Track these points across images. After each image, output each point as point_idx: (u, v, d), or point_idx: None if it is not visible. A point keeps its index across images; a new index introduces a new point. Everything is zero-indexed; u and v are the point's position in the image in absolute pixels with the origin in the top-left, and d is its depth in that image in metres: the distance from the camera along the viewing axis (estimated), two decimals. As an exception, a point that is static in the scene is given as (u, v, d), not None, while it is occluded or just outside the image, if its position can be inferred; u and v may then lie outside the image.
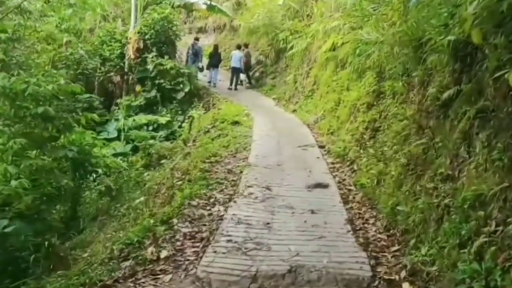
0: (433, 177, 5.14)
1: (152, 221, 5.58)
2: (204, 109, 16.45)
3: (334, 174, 8.21)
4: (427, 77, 6.10)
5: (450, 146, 5.00)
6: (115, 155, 13.77)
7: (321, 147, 10.09)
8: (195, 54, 19.61)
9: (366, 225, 5.85)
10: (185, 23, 27.75)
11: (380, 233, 5.56)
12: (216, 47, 20.41)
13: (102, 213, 9.77)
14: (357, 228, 5.70)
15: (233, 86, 19.54)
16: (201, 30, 27.48)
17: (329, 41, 13.03)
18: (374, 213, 6.18)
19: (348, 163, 8.62)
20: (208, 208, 6.27)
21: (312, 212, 6.16)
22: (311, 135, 11.30)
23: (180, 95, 17.38)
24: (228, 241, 5.10)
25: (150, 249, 4.85)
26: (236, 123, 12.43)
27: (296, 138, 10.90)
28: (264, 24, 19.38)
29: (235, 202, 6.46)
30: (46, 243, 6.64)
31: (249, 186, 7.15)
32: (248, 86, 20.37)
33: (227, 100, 16.93)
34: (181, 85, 17.45)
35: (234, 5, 24.79)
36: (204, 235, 5.32)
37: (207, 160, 8.73)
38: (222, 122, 12.42)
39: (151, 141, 13.83)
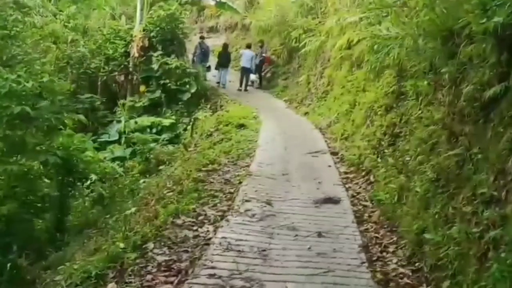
0: (471, 198, 4.06)
1: (122, 245, 4.59)
2: (211, 111, 15.43)
3: (347, 186, 7.20)
4: (461, 74, 5.03)
5: (493, 159, 3.95)
6: (114, 159, 12.88)
7: (334, 153, 9.08)
8: (204, 53, 18.67)
9: (384, 254, 4.78)
10: (196, 22, 26.88)
11: (402, 266, 4.48)
12: (226, 46, 19.43)
13: (90, 224, 8.86)
14: (374, 259, 4.63)
15: (243, 87, 18.54)
16: (212, 29, 26.54)
17: (344, 37, 11.99)
18: (395, 238, 5.11)
19: (363, 173, 7.60)
20: (194, 228, 5.26)
21: (319, 235, 5.15)
22: (323, 140, 10.28)
23: (186, 96, 16.35)
24: (211, 275, 4.06)
25: (111, 285, 3.85)
26: (241, 126, 11.43)
27: (306, 144, 9.88)
28: (276, 22, 18.37)
29: (227, 221, 5.45)
30: (9, 264, 5.69)
31: (246, 201, 6.14)
32: (258, 87, 19.35)
33: (235, 101, 15.94)
34: (188, 86, 16.44)
35: (246, 3, 23.80)
36: (182, 265, 4.30)
37: (203, 168, 7.74)
38: (226, 125, 11.42)
39: (152, 145, 12.91)
